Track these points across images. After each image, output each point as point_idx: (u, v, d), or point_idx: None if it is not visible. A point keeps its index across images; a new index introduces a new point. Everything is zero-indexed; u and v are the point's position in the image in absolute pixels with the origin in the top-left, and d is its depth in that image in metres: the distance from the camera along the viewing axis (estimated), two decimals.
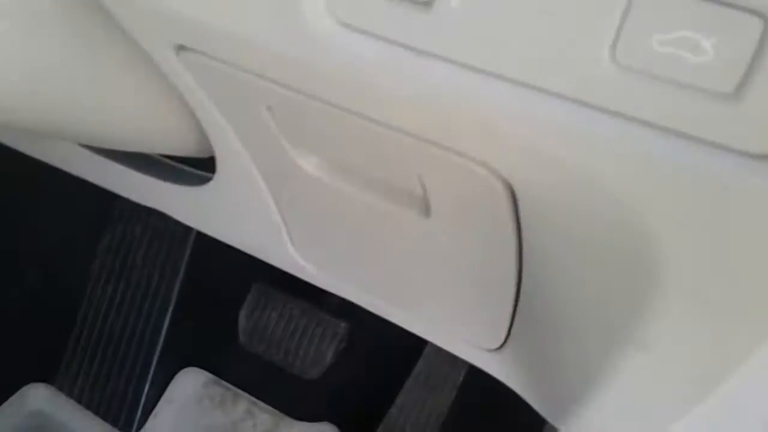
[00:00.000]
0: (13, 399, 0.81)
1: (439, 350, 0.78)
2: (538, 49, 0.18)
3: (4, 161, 0.66)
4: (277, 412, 0.82)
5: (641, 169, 0.18)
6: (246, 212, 0.43)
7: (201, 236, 0.83)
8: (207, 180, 0.45)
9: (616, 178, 0.19)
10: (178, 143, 0.39)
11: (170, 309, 0.82)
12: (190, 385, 0.84)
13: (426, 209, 0.31)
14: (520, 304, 0.35)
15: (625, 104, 0.18)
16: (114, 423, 0.81)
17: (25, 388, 0.82)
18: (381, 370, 0.80)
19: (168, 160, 0.48)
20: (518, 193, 0.25)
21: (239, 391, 0.84)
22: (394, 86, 0.20)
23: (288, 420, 0.83)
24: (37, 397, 0.82)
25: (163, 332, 0.82)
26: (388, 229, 0.35)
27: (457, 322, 0.40)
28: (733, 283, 0.20)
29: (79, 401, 0.81)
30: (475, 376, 0.76)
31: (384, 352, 0.79)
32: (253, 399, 0.84)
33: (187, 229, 0.83)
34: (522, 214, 0.27)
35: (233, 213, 0.44)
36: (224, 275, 0.83)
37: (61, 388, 0.82)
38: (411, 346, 0.76)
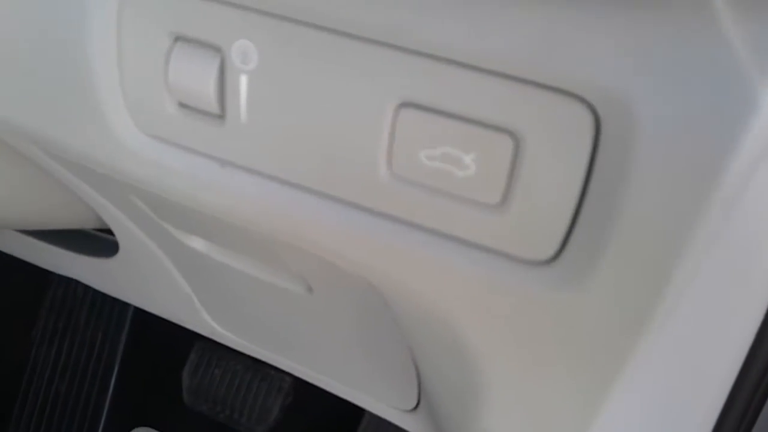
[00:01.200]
0: None
1: None
2: (323, 160, 0.18)
3: None
4: None
5: (433, 273, 0.19)
6: (155, 282, 0.42)
7: None
8: (116, 251, 0.44)
9: (414, 281, 0.19)
10: (80, 218, 0.39)
11: (116, 369, 0.81)
12: None
13: (308, 288, 0.32)
14: (420, 370, 0.35)
15: (404, 211, 0.18)
16: None
17: None
18: (329, 425, 0.78)
19: (80, 232, 0.48)
20: (372, 281, 0.25)
21: None
22: (205, 196, 0.21)
23: None
24: None
25: (110, 393, 0.81)
26: (282, 301, 0.35)
27: (371, 385, 0.40)
28: (545, 377, 0.20)
29: None
30: None
31: (331, 405, 0.78)
32: None
33: None
34: (389, 304, 0.27)
35: (144, 283, 0.44)
36: (167, 332, 0.82)
37: None
38: None
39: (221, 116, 0.19)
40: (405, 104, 0.17)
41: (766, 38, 0.14)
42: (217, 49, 0.19)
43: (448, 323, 0.20)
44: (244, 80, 0.18)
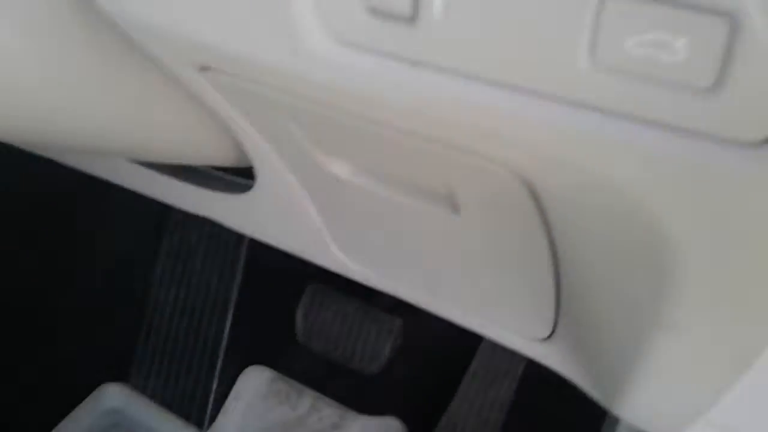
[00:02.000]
0: (90, 398, 0.86)
1: (495, 345, 0.78)
2: (522, 53, 0.18)
3: (70, 171, 0.70)
4: (341, 406, 0.84)
5: (637, 162, 0.19)
6: (287, 216, 0.44)
7: (255, 241, 0.86)
8: (249, 187, 0.46)
9: (616, 171, 0.19)
10: (216, 155, 0.41)
11: (230, 310, 0.85)
12: (255, 382, 0.87)
13: (455, 207, 0.32)
14: (561, 294, 0.35)
15: (608, 100, 0.18)
16: (186, 419, 0.84)
17: (101, 388, 0.86)
18: (439, 364, 0.80)
19: (212, 170, 0.50)
20: (538, 190, 0.25)
21: (303, 387, 0.86)
22: (394, 97, 0.21)
23: (353, 414, 0.84)
24: (113, 395, 0.86)
25: (226, 333, 0.85)
26: (422, 227, 0.36)
27: (504, 314, 0.40)
28: (745, 265, 0.20)
29: (152, 399, 0.85)
30: (536, 368, 0.75)
31: (441, 345, 0.79)
32: (317, 394, 0.86)
33: (242, 235, 0.86)
34: (546, 210, 0.27)
35: (276, 217, 0.46)
36: (279, 277, 0.85)
37: (135, 387, 0.86)
38: (467, 339, 0.76)
39: (413, 17, 0.19)
40: None
41: None
42: None
43: (649, 215, 0.20)
44: None
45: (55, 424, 0.83)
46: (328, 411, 0.85)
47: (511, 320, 0.42)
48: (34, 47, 0.28)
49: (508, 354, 0.74)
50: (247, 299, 0.84)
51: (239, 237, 0.84)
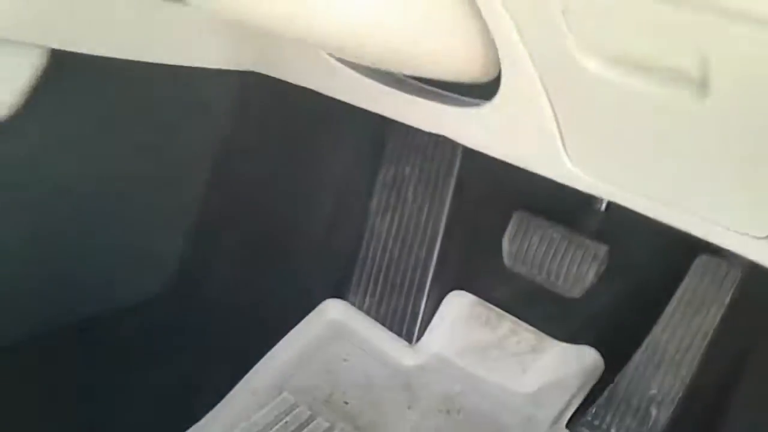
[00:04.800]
0: (316, 311, 0.98)
1: (704, 272, 0.78)
2: None
3: (312, 110, 0.80)
4: (539, 331, 0.89)
5: None
6: (523, 126, 0.49)
7: (464, 172, 0.92)
8: (478, 104, 0.52)
9: None
10: (466, 68, 0.47)
11: (439, 237, 0.93)
12: (458, 305, 0.95)
13: (703, 87, 0.34)
14: None
15: None
16: (398, 334, 0.94)
17: (324, 303, 0.98)
18: (642, 292, 0.82)
19: (445, 91, 0.57)
20: None
21: (503, 312, 0.92)
22: None
23: (551, 339, 0.89)
24: (335, 309, 0.98)
25: (434, 258, 0.93)
26: (660, 120, 0.39)
27: (724, 211, 0.42)
28: None
29: (368, 314, 0.95)
30: (744, 295, 0.75)
31: (645, 273, 0.80)
32: (516, 319, 0.91)
33: (450, 168, 0.92)
34: None
35: (510, 128, 0.51)
36: (486, 205, 0.91)
37: (353, 303, 0.97)
38: (673, 266, 0.77)
39: None
40: None
41: None
42: None
43: None
44: None
45: (287, 330, 0.96)
46: (526, 335, 0.90)
47: (728, 217, 0.43)
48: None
49: (716, 281, 0.74)
50: (455, 227, 0.91)
51: (448, 168, 0.90)
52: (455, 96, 0.56)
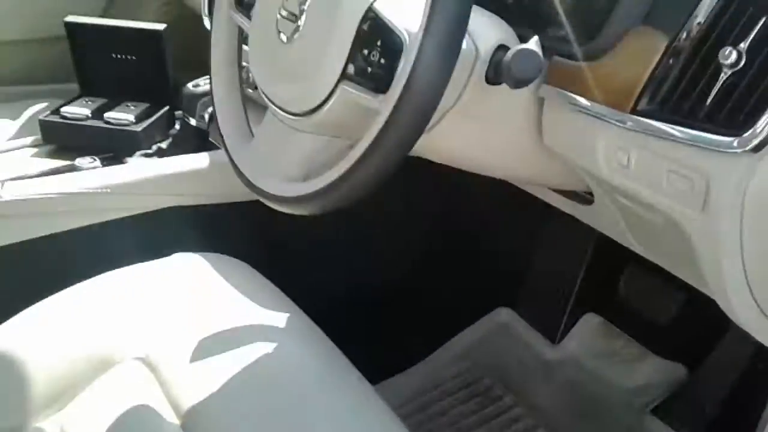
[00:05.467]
0: (487, 317, 1.47)
1: None
2: None
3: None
4: (641, 346, 1.30)
5: None
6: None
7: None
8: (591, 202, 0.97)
9: None
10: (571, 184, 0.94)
11: (580, 275, 1.37)
12: (590, 324, 1.37)
13: None
14: None
15: None
16: (551, 340, 1.39)
17: (497, 310, 1.47)
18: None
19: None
20: None
21: (620, 330, 1.33)
22: None
23: (651, 354, 1.29)
24: (505, 315, 1.46)
25: (577, 286, 1.37)
26: None
27: None
28: None
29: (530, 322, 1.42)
30: None
31: None
32: (628, 337, 1.32)
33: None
34: None
35: (611, 223, 0.96)
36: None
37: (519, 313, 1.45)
38: None
39: None
40: None
41: None
42: None
43: None
44: None
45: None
46: (634, 349, 1.30)
47: None
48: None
49: None
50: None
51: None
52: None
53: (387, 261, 1.30)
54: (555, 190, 1.01)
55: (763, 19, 0.56)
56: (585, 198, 0.96)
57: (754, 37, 0.57)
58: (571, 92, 0.71)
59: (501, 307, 1.47)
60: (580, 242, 1.36)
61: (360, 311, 1.19)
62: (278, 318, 0.87)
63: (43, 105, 1.50)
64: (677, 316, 1.22)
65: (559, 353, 1.37)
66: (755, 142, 0.56)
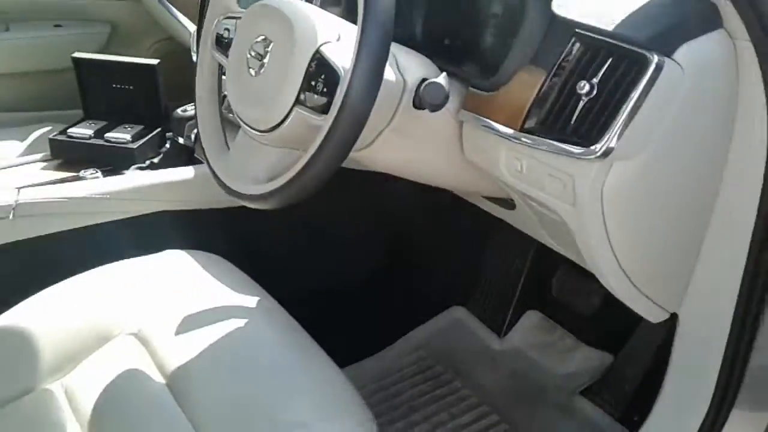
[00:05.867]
0: (442, 315, 1.65)
1: None
2: None
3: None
4: (575, 338, 1.48)
5: None
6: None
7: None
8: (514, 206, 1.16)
9: None
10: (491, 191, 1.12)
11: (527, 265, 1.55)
12: (533, 318, 1.56)
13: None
14: None
15: None
16: (496, 333, 1.57)
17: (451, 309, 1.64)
18: None
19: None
20: None
21: (557, 325, 1.52)
22: None
23: (583, 344, 1.47)
24: (459, 313, 1.63)
25: (522, 277, 1.55)
26: None
27: None
28: None
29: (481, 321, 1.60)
30: None
31: None
32: (564, 330, 1.50)
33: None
34: None
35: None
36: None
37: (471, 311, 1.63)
38: None
39: None
40: None
41: None
42: None
43: None
44: None
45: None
46: (569, 339, 1.48)
47: None
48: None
49: None
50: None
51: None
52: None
53: (353, 261, 1.49)
54: (488, 198, 1.20)
55: (609, 60, 0.76)
56: (510, 204, 1.15)
57: (602, 74, 0.76)
58: (481, 115, 0.90)
59: (455, 306, 1.65)
60: (523, 246, 1.54)
61: (328, 304, 1.36)
62: (251, 303, 1.05)
63: (49, 128, 1.69)
64: (601, 309, 1.41)
65: (504, 345, 1.54)
66: (603, 149, 0.75)
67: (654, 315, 0.96)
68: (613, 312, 1.38)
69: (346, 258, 1.48)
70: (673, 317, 0.96)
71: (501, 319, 1.58)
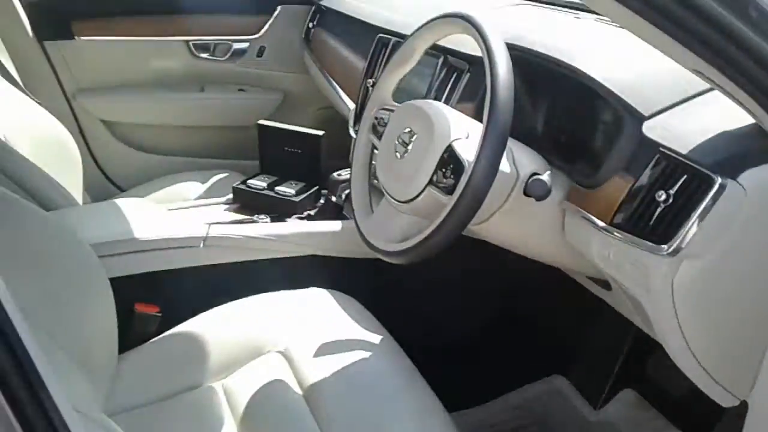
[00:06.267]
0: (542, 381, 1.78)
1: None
2: None
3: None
4: None
5: None
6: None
7: None
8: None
9: None
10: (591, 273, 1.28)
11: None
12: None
13: None
14: None
15: None
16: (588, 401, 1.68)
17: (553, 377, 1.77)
18: None
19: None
20: None
21: None
22: None
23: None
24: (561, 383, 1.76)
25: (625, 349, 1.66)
26: None
27: None
28: None
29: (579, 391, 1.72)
30: None
31: None
32: None
33: None
34: None
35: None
36: None
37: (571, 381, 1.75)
38: None
39: None
40: None
41: None
42: None
43: None
44: None
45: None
46: (660, 421, 1.57)
47: None
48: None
49: None
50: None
51: None
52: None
53: (468, 317, 1.67)
54: (588, 278, 1.36)
55: (683, 177, 0.92)
56: (607, 285, 1.30)
57: (678, 187, 0.93)
58: (580, 207, 1.09)
59: (557, 375, 1.78)
60: (626, 324, 1.66)
61: (440, 352, 1.55)
62: (375, 341, 1.28)
63: (226, 174, 2.05)
64: (692, 393, 1.49)
65: (599, 417, 1.65)
66: (673, 248, 0.91)
67: (725, 400, 1.07)
68: (704, 396, 1.48)
69: (461, 313, 1.66)
70: (745, 405, 1.07)
71: (598, 392, 1.69)
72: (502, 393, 1.74)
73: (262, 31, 2.30)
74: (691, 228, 0.90)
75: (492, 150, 0.97)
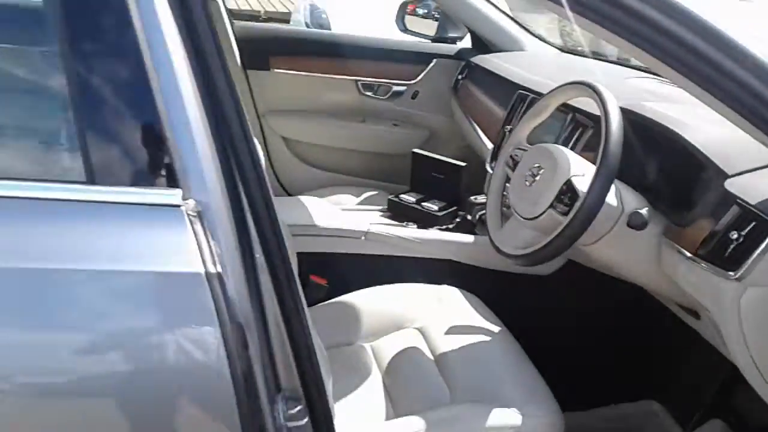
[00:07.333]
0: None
1: None
2: None
3: None
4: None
5: None
6: None
7: None
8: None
9: None
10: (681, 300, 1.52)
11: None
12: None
13: None
14: None
15: None
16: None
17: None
18: None
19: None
20: None
21: None
22: None
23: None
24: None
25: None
26: None
27: None
28: None
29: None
30: None
31: None
32: None
33: None
34: None
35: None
36: None
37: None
38: None
39: None
40: None
41: None
42: None
43: None
44: None
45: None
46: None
47: None
48: None
49: None
50: None
51: None
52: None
53: (582, 328, 1.91)
54: (680, 307, 1.60)
55: (753, 223, 1.18)
56: (697, 314, 1.53)
57: (748, 230, 1.18)
58: (673, 241, 1.36)
59: (653, 400, 1.98)
60: (721, 354, 1.85)
61: (547, 355, 1.82)
62: (494, 329, 1.60)
63: (376, 192, 2.46)
64: None
65: None
66: (739, 274, 1.17)
67: None
68: None
69: (577, 323, 1.91)
70: None
71: (689, 418, 1.87)
72: (595, 405, 1.98)
73: (418, 78, 2.68)
74: (753, 260, 1.15)
75: (601, 184, 1.28)
